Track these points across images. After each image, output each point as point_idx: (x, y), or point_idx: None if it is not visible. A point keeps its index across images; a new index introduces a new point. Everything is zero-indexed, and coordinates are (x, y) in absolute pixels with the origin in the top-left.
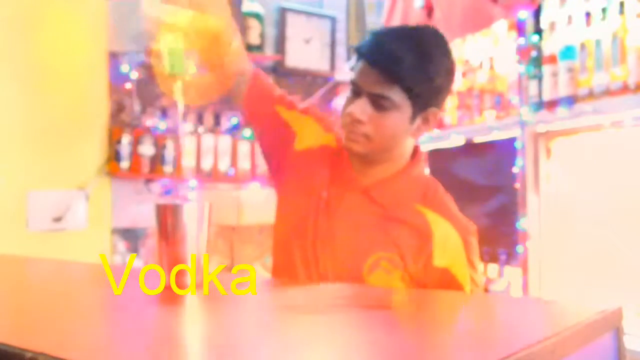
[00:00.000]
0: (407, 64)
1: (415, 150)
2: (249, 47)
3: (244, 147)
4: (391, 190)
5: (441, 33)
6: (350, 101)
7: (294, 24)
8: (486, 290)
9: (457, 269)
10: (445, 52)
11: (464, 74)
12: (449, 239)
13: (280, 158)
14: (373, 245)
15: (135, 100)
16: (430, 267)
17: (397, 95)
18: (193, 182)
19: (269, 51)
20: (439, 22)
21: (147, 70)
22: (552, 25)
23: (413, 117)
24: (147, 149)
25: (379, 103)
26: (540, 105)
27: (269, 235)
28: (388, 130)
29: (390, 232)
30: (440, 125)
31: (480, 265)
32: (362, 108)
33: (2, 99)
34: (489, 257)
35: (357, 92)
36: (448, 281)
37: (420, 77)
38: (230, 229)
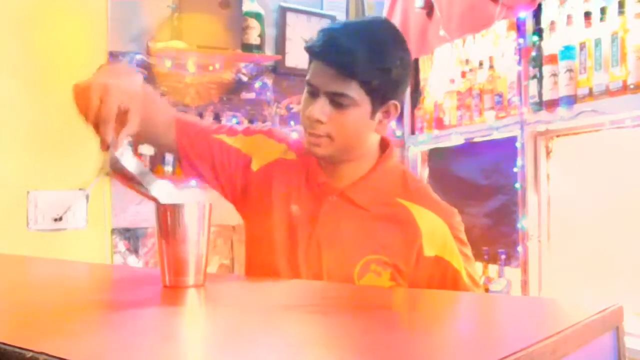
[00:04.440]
0: (361, 58)
1: (386, 143)
2: (249, 47)
3: None
4: (368, 189)
5: (393, 24)
6: (308, 102)
7: (294, 24)
8: (486, 290)
9: (449, 254)
10: (399, 43)
11: (463, 74)
12: (435, 228)
13: (242, 184)
14: (360, 249)
15: None
16: (422, 259)
17: (354, 91)
18: (193, 182)
19: (269, 51)
20: (439, 22)
21: (147, 70)
22: (552, 25)
23: (373, 112)
24: (147, 149)
25: (337, 101)
26: (540, 105)
27: None
28: (350, 129)
29: (375, 233)
30: (440, 125)
31: (466, 244)
32: (321, 108)
33: (2, 99)
34: (489, 257)
35: (314, 92)
36: (443, 267)
37: (375, 70)
38: (230, 229)
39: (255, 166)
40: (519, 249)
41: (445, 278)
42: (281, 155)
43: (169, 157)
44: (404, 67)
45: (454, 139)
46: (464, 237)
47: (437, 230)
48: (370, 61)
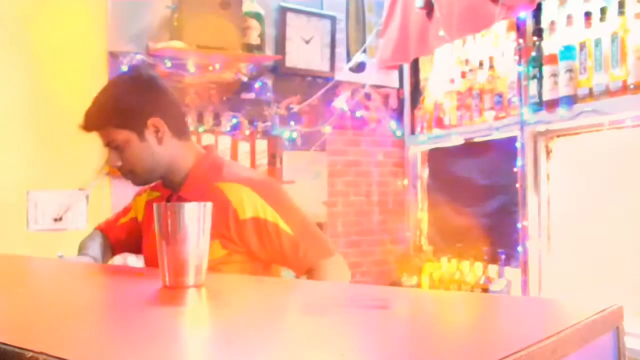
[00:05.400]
0: (95, 110)
1: (206, 148)
2: (249, 47)
3: (244, 147)
4: (193, 185)
5: (121, 77)
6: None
7: (294, 24)
8: (486, 290)
9: (262, 213)
10: (117, 81)
11: (463, 74)
12: (244, 196)
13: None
14: None
15: None
16: (240, 223)
17: (115, 133)
18: None
19: (269, 51)
20: (439, 22)
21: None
22: (552, 25)
23: (140, 136)
24: None
25: (115, 146)
26: (540, 105)
27: None
28: (135, 158)
29: None
30: (440, 125)
31: (283, 204)
32: (111, 157)
33: (2, 99)
34: (489, 257)
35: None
36: (262, 224)
37: (108, 111)
38: None
39: (139, 216)
40: (519, 249)
41: (268, 232)
42: (148, 198)
43: None
44: (135, 94)
45: (454, 139)
46: (282, 200)
47: (246, 197)
48: (99, 110)
